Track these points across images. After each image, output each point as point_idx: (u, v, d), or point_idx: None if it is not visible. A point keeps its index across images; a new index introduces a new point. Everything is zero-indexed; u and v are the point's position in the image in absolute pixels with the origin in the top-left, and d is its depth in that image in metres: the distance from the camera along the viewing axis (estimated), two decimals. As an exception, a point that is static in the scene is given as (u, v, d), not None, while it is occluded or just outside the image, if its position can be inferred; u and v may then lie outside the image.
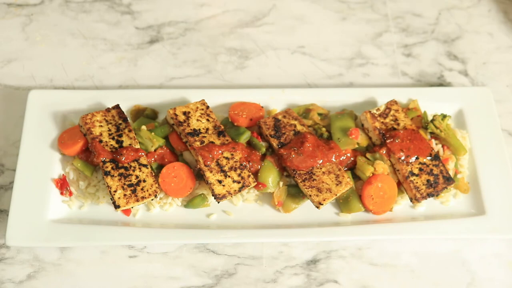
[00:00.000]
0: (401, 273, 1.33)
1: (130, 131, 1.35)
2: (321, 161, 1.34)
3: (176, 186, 1.32)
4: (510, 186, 1.38)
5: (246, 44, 1.66)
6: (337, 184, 1.32)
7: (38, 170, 1.34)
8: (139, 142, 1.35)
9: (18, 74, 1.56)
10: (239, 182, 1.31)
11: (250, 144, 1.39)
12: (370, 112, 1.42)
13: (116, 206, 1.27)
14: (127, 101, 1.45)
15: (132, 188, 1.28)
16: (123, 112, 1.38)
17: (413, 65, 1.64)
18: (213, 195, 1.30)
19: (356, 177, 1.38)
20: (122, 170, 1.30)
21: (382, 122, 1.41)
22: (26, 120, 1.39)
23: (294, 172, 1.33)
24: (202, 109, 1.40)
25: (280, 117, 1.41)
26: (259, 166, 1.36)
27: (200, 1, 1.73)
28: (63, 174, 1.36)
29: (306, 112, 1.47)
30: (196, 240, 1.29)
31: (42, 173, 1.34)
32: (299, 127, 1.40)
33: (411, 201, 1.35)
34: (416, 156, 1.35)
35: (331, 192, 1.31)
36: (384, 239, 1.35)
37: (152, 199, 1.30)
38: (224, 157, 1.33)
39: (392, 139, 1.37)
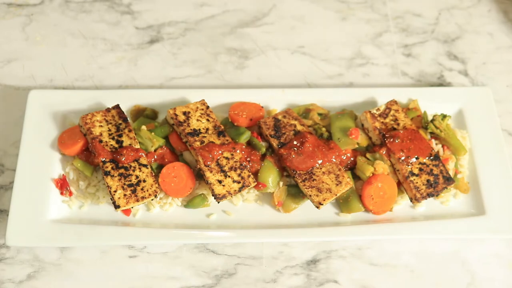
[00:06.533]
0: (401, 273, 1.33)
1: (130, 131, 1.35)
2: (321, 161, 1.34)
3: (176, 186, 1.32)
4: (510, 186, 1.38)
5: (246, 44, 1.66)
6: (337, 184, 1.32)
7: (38, 170, 1.34)
8: (139, 142, 1.35)
9: (18, 74, 1.56)
10: (239, 182, 1.31)
11: (250, 144, 1.39)
12: (370, 112, 1.42)
13: (116, 206, 1.27)
14: (127, 101, 1.45)
15: (132, 188, 1.28)
16: (123, 112, 1.38)
17: (413, 65, 1.64)
18: (213, 195, 1.30)
19: (356, 177, 1.38)
20: (122, 170, 1.30)
21: (382, 122, 1.41)
22: (26, 120, 1.39)
23: (294, 172, 1.33)
24: (202, 109, 1.40)
25: (280, 117, 1.41)
26: (259, 166, 1.36)
27: (200, 1, 1.73)
28: (63, 174, 1.36)
29: (306, 112, 1.47)
30: (196, 240, 1.30)
31: (42, 173, 1.34)
32: (299, 127, 1.40)
33: (411, 201, 1.35)
34: (416, 156, 1.35)
35: (331, 192, 1.31)
36: (384, 239, 1.36)
37: (152, 199, 1.30)
38: (224, 157, 1.33)
39: (392, 139, 1.37)
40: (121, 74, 1.58)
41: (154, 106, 1.46)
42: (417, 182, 1.34)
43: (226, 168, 1.32)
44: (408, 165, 1.35)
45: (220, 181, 1.31)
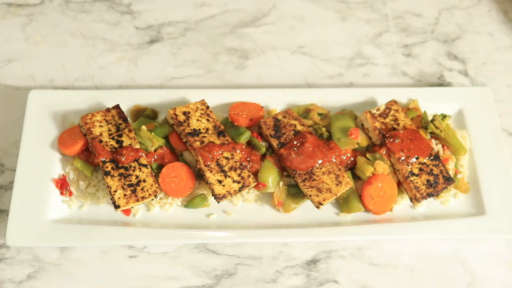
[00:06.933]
0: (401, 273, 1.33)
1: (130, 131, 1.35)
2: (321, 161, 1.34)
3: (176, 186, 1.32)
4: (510, 186, 1.38)
5: (246, 44, 1.66)
6: (337, 184, 1.32)
7: (38, 170, 1.34)
8: (139, 142, 1.35)
9: (18, 74, 1.57)
10: (239, 182, 1.31)
11: (250, 144, 1.39)
12: (370, 112, 1.42)
13: (116, 206, 1.27)
14: (127, 101, 1.45)
15: (132, 188, 1.28)
16: (123, 112, 1.38)
17: (413, 65, 1.64)
18: (213, 195, 1.30)
19: (356, 177, 1.38)
20: (122, 170, 1.30)
21: (382, 122, 1.41)
22: (26, 120, 1.39)
23: (294, 172, 1.33)
24: (202, 109, 1.40)
25: (280, 117, 1.41)
26: (259, 166, 1.36)
27: (200, 1, 1.73)
28: (63, 174, 1.36)
29: (306, 112, 1.47)
30: (196, 240, 1.30)
31: (42, 173, 1.34)
32: (299, 127, 1.40)
33: (411, 201, 1.35)
34: (416, 156, 1.35)
35: (331, 192, 1.31)
36: (384, 239, 1.35)
37: (152, 199, 1.30)
38: (224, 157, 1.33)
39: (392, 139, 1.37)
40: (121, 74, 1.58)
41: (154, 106, 1.46)
42: (417, 182, 1.34)
43: (226, 168, 1.32)
44: (408, 165, 1.35)
45: (220, 181, 1.31)
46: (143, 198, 1.28)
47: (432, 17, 1.74)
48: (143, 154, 1.33)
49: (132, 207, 1.32)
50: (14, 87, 1.54)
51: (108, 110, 1.38)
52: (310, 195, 1.31)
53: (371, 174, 1.35)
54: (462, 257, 1.35)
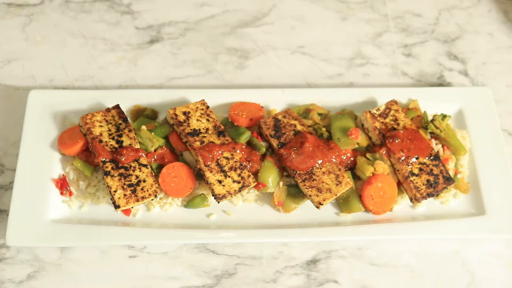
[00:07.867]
0: (401, 273, 1.33)
1: (130, 131, 1.35)
2: (321, 161, 1.34)
3: (176, 186, 1.32)
4: (510, 186, 1.38)
5: (246, 44, 1.66)
6: (337, 184, 1.32)
7: (38, 170, 1.34)
8: (139, 142, 1.35)
9: (18, 74, 1.57)
10: (239, 182, 1.31)
11: (250, 144, 1.39)
12: (370, 112, 1.42)
13: (116, 206, 1.27)
14: (127, 101, 1.45)
15: (132, 188, 1.28)
16: (123, 112, 1.38)
17: (413, 65, 1.64)
18: (213, 195, 1.30)
19: (356, 177, 1.38)
20: (122, 170, 1.30)
21: (382, 122, 1.41)
22: (26, 120, 1.39)
23: (294, 172, 1.33)
24: (202, 109, 1.40)
25: (280, 117, 1.41)
26: (259, 166, 1.36)
27: (200, 1, 1.73)
28: (63, 174, 1.36)
29: (306, 112, 1.47)
30: (196, 240, 1.30)
31: (42, 173, 1.34)
32: (299, 127, 1.40)
33: (411, 201, 1.35)
34: (416, 156, 1.35)
35: (331, 192, 1.31)
36: (384, 239, 1.36)
37: (152, 199, 1.30)
38: (224, 157, 1.33)
39: (392, 139, 1.37)
40: (121, 74, 1.58)
41: (154, 106, 1.46)
42: (417, 182, 1.34)
43: (226, 168, 1.32)
44: (408, 165, 1.35)
45: (220, 181, 1.31)
46: (143, 198, 1.28)
47: (432, 17, 1.74)
48: (143, 154, 1.33)
49: (132, 207, 1.32)
50: (14, 87, 1.54)
51: (108, 110, 1.38)
52: (310, 195, 1.31)
53: (371, 174, 1.35)
54: (462, 257, 1.35)
